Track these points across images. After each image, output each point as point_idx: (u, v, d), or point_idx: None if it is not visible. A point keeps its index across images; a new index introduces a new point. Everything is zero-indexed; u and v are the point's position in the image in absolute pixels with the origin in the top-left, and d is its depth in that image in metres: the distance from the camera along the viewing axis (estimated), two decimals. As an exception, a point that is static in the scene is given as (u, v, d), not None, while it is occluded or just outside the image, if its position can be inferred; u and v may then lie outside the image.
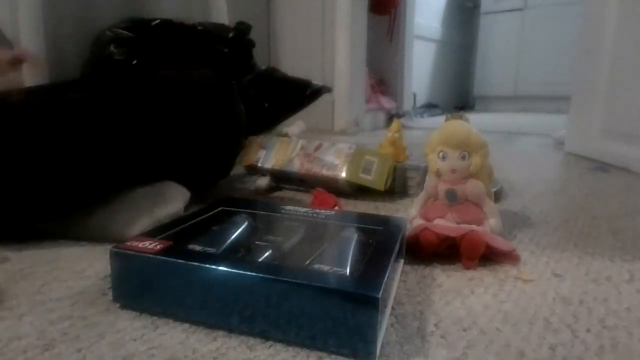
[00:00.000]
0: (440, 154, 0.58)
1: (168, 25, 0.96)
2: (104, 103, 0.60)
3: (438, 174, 0.59)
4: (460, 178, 0.57)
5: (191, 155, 0.64)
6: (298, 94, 1.12)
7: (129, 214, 0.58)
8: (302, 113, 1.16)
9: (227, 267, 0.37)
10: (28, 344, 0.36)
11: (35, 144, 0.54)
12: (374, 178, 0.83)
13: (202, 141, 0.65)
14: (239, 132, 0.74)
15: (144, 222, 0.58)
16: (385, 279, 0.36)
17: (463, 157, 0.57)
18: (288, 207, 0.57)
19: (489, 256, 0.53)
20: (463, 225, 0.55)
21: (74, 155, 0.56)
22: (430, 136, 0.60)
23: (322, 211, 0.56)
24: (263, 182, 0.91)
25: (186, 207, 0.65)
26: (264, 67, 1.09)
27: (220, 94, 0.69)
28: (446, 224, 0.56)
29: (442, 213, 0.58)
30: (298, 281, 0.35)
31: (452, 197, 0.58)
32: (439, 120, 0.65)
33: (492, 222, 0.57)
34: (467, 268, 0.52)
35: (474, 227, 0.54)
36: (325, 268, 0.38)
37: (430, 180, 0.61)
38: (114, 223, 0.58)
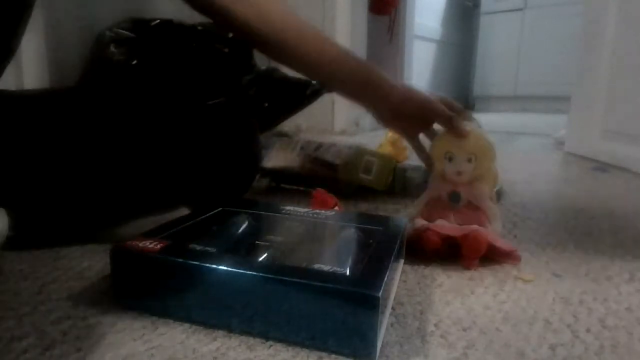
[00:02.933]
0: (447, 155, 0.57)
1: (168, 25, 0.96)
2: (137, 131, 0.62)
3: (443, 175, 0.59)
4: (465, 180, 0.57)
5: (205, 186, 0.67)
6: (298, 94, 1.12)
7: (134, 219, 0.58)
8: (302, 113, 1.16)
9: (227, 267, 0.37)
10: (28, 344, 0.36)
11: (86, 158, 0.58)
12: (374, 178, 0.83)
13: (219, 175, 0.68)
14: (255, 168, 0.78)
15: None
16: (385, 279, 0.36)
17: (469, 160, 0.56)
18: (288, 207, 0.57)
19: (490, 256, 0.53)
20: (465, 227, 0.55)
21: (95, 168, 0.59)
22: (437, 137, 0.60)
23: (322, 211, 0.56)
24: (263, 182, 0.91)
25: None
26: (264, 67, 1.09)
27: (245, 132, 0.73)
28: (449, 225, 0.56)
29: (445, 214, 0.58)
30: (298, 281, 0.35)
31: (456, 199, 0.57)
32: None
33: (493, 226, 0.57)
34: (468, 268, 0.52)
35: (476, 227, 0.54)
36: (325, 268, 0.38)
37: (434, 181, 0.60)
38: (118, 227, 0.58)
